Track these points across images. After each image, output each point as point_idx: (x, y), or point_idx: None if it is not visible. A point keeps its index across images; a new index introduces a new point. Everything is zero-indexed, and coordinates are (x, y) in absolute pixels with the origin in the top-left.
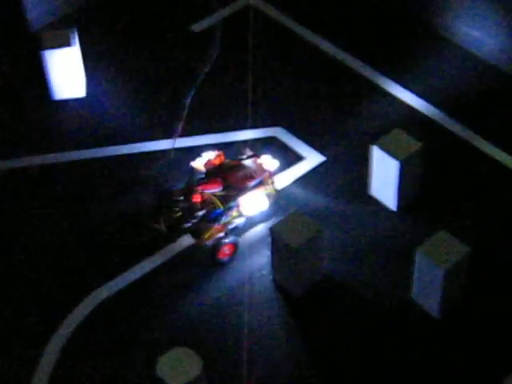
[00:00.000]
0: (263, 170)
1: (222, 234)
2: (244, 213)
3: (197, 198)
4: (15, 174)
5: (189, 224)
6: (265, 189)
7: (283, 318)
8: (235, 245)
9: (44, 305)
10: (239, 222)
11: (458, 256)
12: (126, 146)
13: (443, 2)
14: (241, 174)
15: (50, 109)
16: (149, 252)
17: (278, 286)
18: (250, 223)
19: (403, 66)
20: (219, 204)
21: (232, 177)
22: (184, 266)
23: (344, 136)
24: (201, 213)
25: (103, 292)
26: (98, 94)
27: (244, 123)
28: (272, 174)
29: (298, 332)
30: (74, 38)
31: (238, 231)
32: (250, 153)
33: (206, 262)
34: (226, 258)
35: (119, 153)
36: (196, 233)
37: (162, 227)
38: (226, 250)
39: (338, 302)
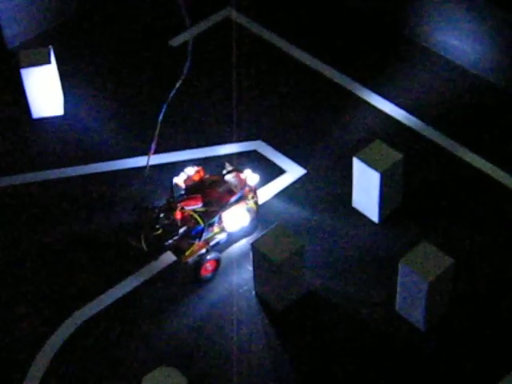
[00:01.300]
0: (244, 185)
1: (203, 251)
2: (226, 228)
3: (177, 215)
4: None
5: (170, 241)
6: (246, 204)
7: (267, 334)
8: (217, 261)
9: (24, 328)
10: (221, 237)
11: (441, 267)
12: (105, 164)
13: (422, 12)
14: (221, 189)
15: (28, 127)
16: (129, 271)
17: (261, 301)
18: (232, 238)
19: (383, 76)
20: (200, 220)
21: (212, 192)
22: (166, 283)
23: (325, 148)
24: (182, 230)
25: (85, 313)
26: (76, 112)
27: (224, 137)
28: (253, 189)
29: (282, 347)
30: (51, 55)
31: (219, 247)
32: (230, 167)
33: (189, 279)
34: (208, 275)
35: (98, 170)
36: (178, 250)
37: (143, 245)
38: (209, 266)
39: (322, 316)
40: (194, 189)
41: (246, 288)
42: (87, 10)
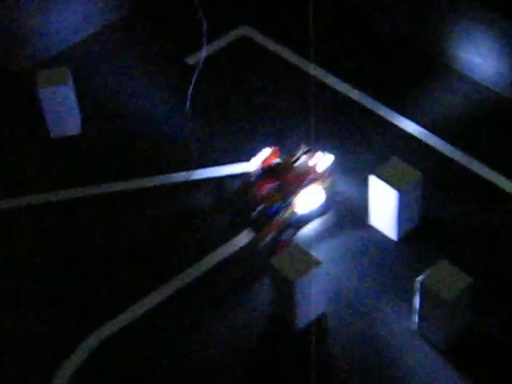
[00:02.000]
0: (318, 166)
1: (278, 230)
2: (299, 209)
3: (258, 192)
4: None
5: (250, 217)
6: (321, 184)
7: (284, 353)
8: (292, 240)
9: (41, 349)
10: (293, 218)
11: (460, 287)
12: (125, 183)
13: (443, 29)
14: (297, 170)
15: (47, 146)
16: (146, 291)
17: (279, 319)
18: (305, 219)
19: (402, 93)
20: (278, 199)
21: (288, 173)
22: (187, 302)
23: (342, 164)
24: (260, 207)
25: (101, 334)
26: (94, 131)
27: (245, 155)
28: (326, 171)
29: (301, 367)
30: (69, 75)
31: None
32: (304, 149)
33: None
34: None
35: (118, 189)
36: (256, 226)
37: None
38: (283, 245)
39: (339, 335)
40: (271, 170)
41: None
42: (105, 29)
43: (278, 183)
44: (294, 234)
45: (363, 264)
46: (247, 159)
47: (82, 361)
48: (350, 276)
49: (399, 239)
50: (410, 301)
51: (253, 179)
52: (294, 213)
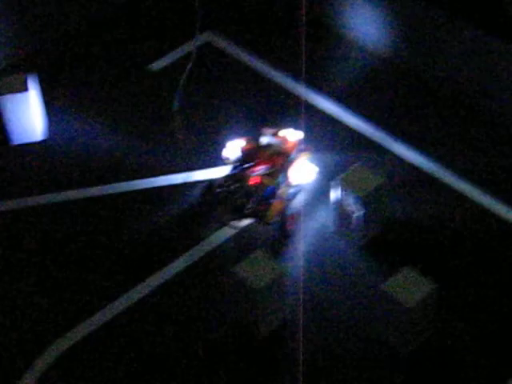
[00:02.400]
0: (293, 141)
1: (281, 210)
2: (295, 182)
3: (251, 181)
4: None
5: (249, 208)
6: (305, 155)
7: (246, 361)
8: (298, 214)
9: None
10: (294, 191)
11: (423, 293)
12: (89, 190)
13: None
14: (274, 148)
15: (8, 154)
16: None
17: (241, 327)
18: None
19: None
20: (269, 181)
21: (267, 154)
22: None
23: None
24: (254, 196)
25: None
26: (58, 137)
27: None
28: (301, 143)
29: (264, 375)
30: (30, 82)
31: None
32: (271, 130)
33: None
34: (293, 228)
35: (81, 196)
36: (259, 214)
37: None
38: (291, 220)
39: (302, 342)
40: (251, 156)
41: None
42: (70, 34)
43: (264, 167)
44: (299, 207)
45: (327, 270)
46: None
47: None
48: (313, 282)
49: (363, 245)
50: (374, 308)
51: (234, 171)
52: (288, 188)
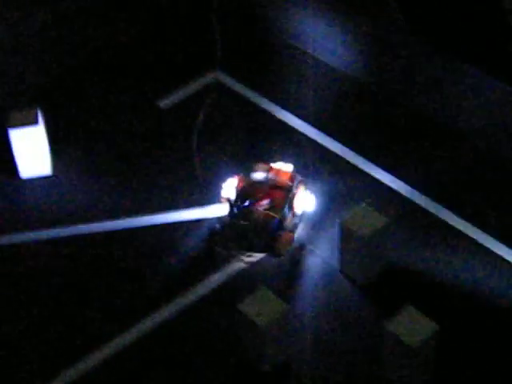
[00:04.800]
0: (288, 173)
1: (293, 237)
2: (299, 212)
3: (260, 216)
4: None
5: (260, 243)
6: (303, 185)
7: None
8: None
9: None
10: (298, 221)
11: (425, 333)
12: (95, 225)
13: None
14: (272, 183)
15: (16, 187)
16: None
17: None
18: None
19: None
20: (273, 215)
21: (268, 188)
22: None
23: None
24: (264, 229)
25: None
26: (64, 172)
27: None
28: (294, 175)
29: None
30: (38, 116)
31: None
32: (264, 165)
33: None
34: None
35: (87, 231)
36: (271, 248)
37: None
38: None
39: (306, 379)
40: (248, 193)
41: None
42: (77, 69)
43: (266, 201)
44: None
45: (330, 309)
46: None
47: None
48: (317, 321)
49: (367, 284)
50: (377, 347)
51: (238, 209)
52: (294, 218)
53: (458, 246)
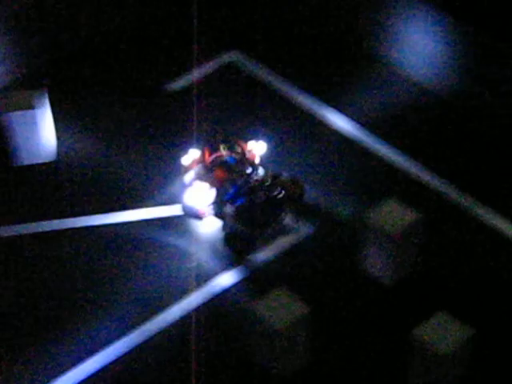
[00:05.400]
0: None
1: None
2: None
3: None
4: None
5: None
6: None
7: None
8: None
9: None
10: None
11: (458, 341)
12: (99, 216)
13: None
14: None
15: (14, 175)
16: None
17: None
18: None
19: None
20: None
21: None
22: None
23: (332, 203)
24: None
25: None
26: (69, 158)
27: None
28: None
29: None
30: (38, 99)
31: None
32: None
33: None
34: None
35: (90, 224)
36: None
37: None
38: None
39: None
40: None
41: None
42: (83, 50)
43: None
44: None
45: (353, 313)
46: None
47: None
48: (339, 325)
49: (393, 286)
50: (405, 355)
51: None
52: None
53: (497, 247)
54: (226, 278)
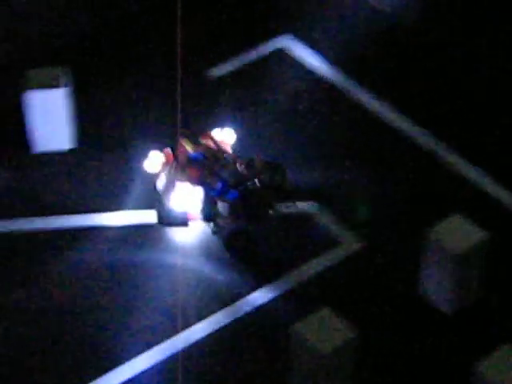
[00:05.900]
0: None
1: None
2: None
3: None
4: None
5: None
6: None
7: None
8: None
9: None
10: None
11: None
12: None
13: None
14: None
15: (30, 163)
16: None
17: None
18: None
19: None
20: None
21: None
22: None
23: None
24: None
25: None
26: (88, 147)
27: None
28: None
29: None
30: (63, 77)
31: None
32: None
33: None
34: None
35: (109, 222)
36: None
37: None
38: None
39: None
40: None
41: None
42: (118, 27)
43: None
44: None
45: (407, 339)
46: None
47: None
48: (391, 355)
49: (455, 313)
50: None
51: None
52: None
53: None
54: (260, 295)
